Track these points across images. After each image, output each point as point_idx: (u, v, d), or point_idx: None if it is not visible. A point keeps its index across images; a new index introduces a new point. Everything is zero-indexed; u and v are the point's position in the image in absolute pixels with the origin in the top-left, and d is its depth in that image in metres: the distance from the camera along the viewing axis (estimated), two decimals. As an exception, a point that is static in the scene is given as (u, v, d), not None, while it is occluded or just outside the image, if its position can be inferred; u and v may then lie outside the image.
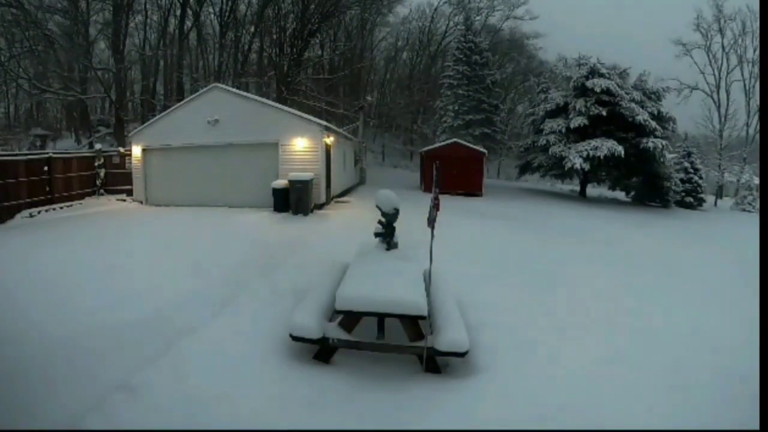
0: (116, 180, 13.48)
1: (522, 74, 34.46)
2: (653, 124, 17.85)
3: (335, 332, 3.42)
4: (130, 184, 12.96)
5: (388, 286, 3.42)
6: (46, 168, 11.20)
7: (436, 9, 33.48)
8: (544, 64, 33.38)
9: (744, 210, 22.72)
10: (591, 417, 2.78)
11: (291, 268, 6.07)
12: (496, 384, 3.13)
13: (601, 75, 18.49)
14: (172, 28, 24.85)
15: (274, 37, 25.93)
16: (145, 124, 13.14)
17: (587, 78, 18.63)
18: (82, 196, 12.53)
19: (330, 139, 12.63)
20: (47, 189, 11.24)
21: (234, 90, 12.72)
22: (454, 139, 19.24)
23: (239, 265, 6.39)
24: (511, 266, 6.50)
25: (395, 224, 4.39)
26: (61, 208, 11.27)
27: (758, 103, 25.97)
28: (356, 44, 30.42)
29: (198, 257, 6.31)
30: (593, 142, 17.35)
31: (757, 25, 25.61)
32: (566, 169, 18.74)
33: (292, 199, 10.66)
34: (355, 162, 18.77)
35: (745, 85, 27.59)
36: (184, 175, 12.32)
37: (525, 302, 4.89)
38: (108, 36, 22.08)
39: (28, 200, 10.55)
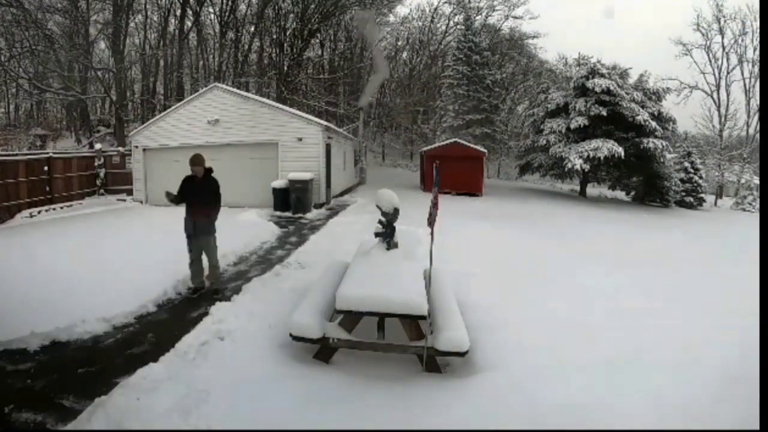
0: (116, 180, 13.49)
1: (522, 74, 34.43)
2: (653, 124, 17.86)
3: (335, 332, 3.42)
4: (130, 184, 12.96)
5: (389, 285, 3.42)
6: (46, 168, 11.20)
7: (436, 9, 33.47)
8: (545, 64, 33.36)
9: (744, 210, 22.72)
10: (592, 417, 2.77)
11: (291, 267, 6.07)
12: (497, 384, 3.12)
13: (602, 75, 18.49)
14: (172, 28, 24.88)
15: (274, 37, 25.92)
16: (146, 124, 13.14)
17: (587, 78, 18.64)
18: (82, 196, 12.54)
19: (330, 139, 12.63)
20: (47, 189, 11.24)
21: (234, 90, 12.73)
22: (454, 139, 19.24)
23: (238, 264, 6.41)
24: (512, 266, 6.50)
25: (395, 224, 4.38)
26: (62, 208, 11.27)
27: (758, 102, 25.98)
28: (356, 44, 30.39)
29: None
30: (593, 143, 17.35)
31: (757, 25, 25.62)
32: (566, 169, 18.76)
33: (292, 199, 10.67)
34: (355, 162, 18.77)
35: (745, 85, 27.62)
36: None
37: (526, 302, 4.88)
38: (108, 36, 22.08)
39: (28, 200, 10.55)
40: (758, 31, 25.22)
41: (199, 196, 4.84)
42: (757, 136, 26.40)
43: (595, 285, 5.80)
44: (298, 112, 12.63)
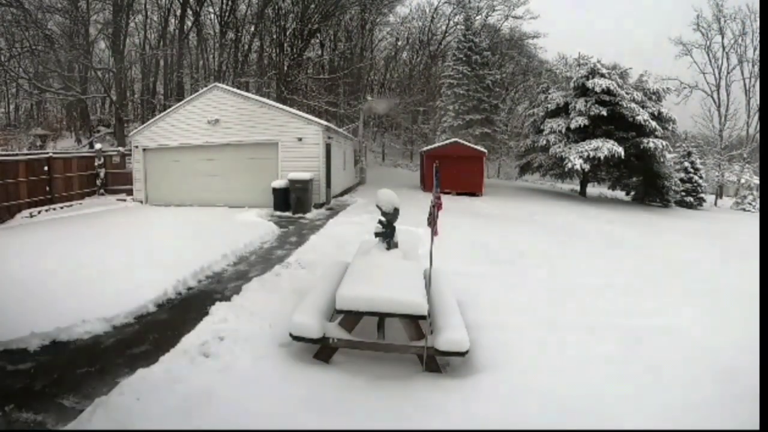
0: (116, 180, 13.49)
1: (522, 74, 34.43)
2: (653, 124, 17.87)
3: (335, 332, 3.42)
4: (130, 184, 12.96)
5: (389, 285, 3.42)
6: (46, 168, 11.21)
7: (436, 9, 33.45)
8: (545, 64, 33.33)
9: (744, 210, 22.73)
10: (592, 417, 2.77)
11: (291, 267, 6.07)
12: (497, 384, 3.12)
13: (602, 75, 18.49)
14: (172, 28, 24.90)
15: (274, 37, 25.93)
16: (146, 124, 13.14)
17: (587, 78, 18.63)
18: (82, 196, 12.54)
19: (330, 139, 12.63)
20: (47, 189, 11.25)
21: (234, 90, 12.73)
22: (455, 139, 19.23)
23: (238, 264, 6.41)
24: (513, 266, 6.50)
25: (395, 224, 4.39)
26: (62, 208, 11.27)
27: (758, 102, 25.99)
28: (356, 44, 30.39)
29: (197, 256, 6.30)
30: (593, 143, 17.35)
31: (757, 25, 25.62)
32: (566, 169, 18.76)
33: (292, 199, 10.67)
34: (355, 162, 18.78)
35: (745, 85, 27.61)
36: (184, 175, 12.32)
37: (526, 302, 4.88)
38: (108, 36, 22.08)
39: (28, 200, 10.56)
40: (758, 31, 25.25)
41: None
42: (757, 136, 26.40)
43: (597, 284, 5.80)
44: (298, 112, 12.62)
